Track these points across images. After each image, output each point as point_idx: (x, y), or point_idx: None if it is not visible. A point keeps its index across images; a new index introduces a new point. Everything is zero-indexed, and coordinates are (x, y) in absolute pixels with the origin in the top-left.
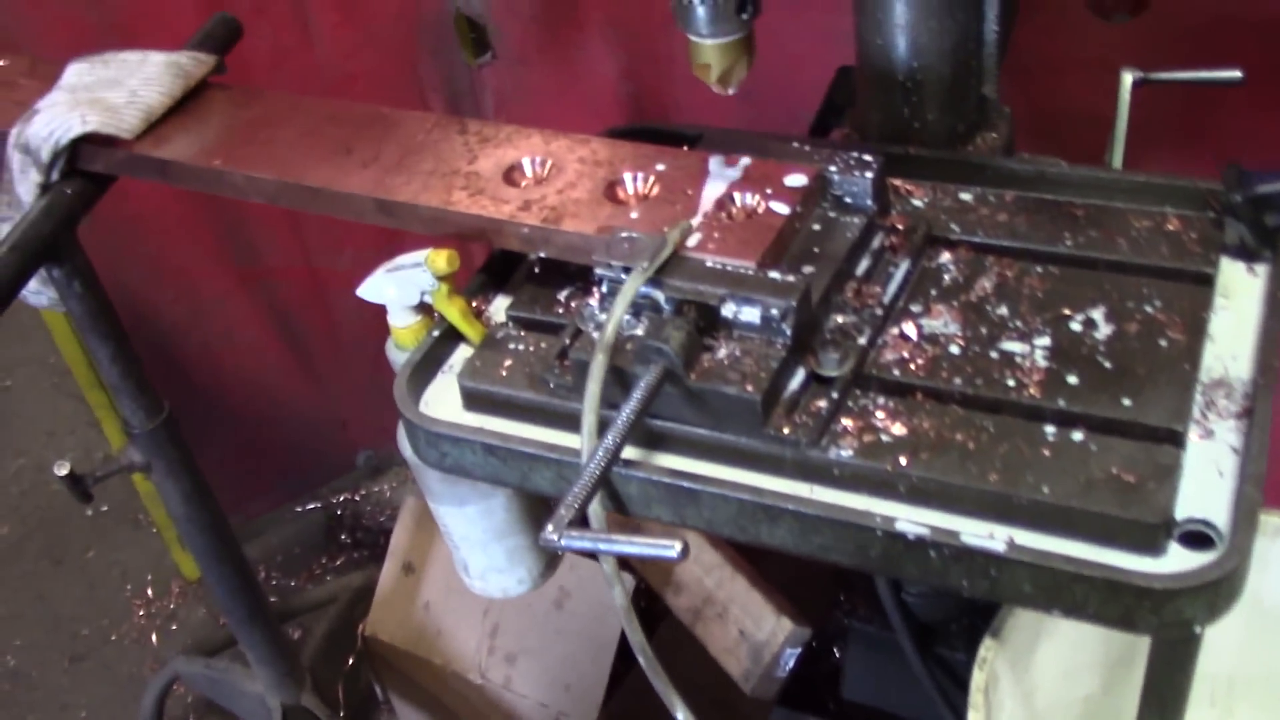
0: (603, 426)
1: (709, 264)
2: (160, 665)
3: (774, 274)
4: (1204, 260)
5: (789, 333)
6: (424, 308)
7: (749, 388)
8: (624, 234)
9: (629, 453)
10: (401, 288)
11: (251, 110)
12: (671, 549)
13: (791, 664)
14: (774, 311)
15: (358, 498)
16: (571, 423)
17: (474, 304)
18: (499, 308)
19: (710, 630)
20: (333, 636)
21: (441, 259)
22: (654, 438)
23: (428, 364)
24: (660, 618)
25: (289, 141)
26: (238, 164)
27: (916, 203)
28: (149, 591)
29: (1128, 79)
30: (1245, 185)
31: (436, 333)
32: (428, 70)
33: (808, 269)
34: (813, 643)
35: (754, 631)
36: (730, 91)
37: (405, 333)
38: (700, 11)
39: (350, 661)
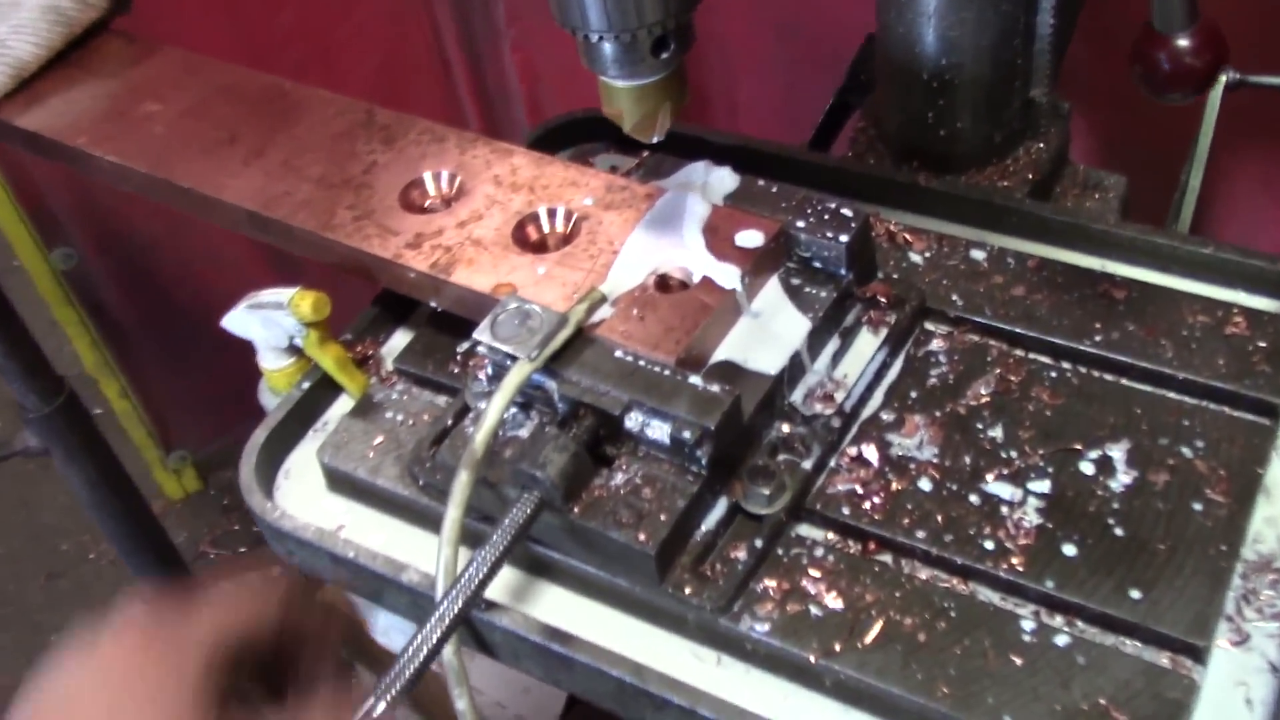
0: (476, 540)
1: (618, 355)
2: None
3: (695, 380)
4: (1270, 382)
5: (704, 462)
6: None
7: (641, 536)
8: (514, 305)
9: (498, 586)
10: (268, 327)
11: (141, 70)
12: None
13: None
14: (686, 435)
15: None
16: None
17: (361, 347)
18: (394, 349)
19: None
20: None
21: (306, 304)
22: (535, 563)
23: (293, 423)
24: None
25: (170, 119)
26: (105, 146)
27: (915, 257)
28: None
29: (1220, 79)
30: None
31: (307, 384)
32: None
33: (748, 364)
34: None
35: None
36: (655, 140)
37: (278, 376)
38: (607, 49)
39: None
